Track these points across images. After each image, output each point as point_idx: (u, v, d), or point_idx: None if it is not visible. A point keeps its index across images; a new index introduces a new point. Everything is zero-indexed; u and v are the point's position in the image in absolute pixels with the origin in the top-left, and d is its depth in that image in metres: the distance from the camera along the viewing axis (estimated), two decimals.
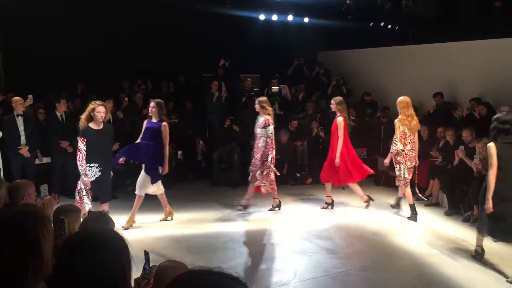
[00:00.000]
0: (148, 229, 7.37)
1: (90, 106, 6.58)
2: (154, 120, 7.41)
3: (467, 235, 7.20)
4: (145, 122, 7.57)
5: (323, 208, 8.60)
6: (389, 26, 13.13)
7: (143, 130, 7.49)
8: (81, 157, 6.50)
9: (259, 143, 8.07)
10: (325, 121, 11.51)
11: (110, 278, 1.60)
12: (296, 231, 7.41)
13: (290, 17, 14.04)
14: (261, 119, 8.09)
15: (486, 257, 6.15)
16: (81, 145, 6.49)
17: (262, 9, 13.82)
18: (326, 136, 11.19)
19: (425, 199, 8.82)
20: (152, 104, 7.49)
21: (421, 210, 8.40)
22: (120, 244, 1.70)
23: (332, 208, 8.60)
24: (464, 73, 10.39)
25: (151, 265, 2.73)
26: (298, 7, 13.73)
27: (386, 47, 12.74)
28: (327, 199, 8.66)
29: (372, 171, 8.63)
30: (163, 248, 6.46)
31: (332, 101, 8.64)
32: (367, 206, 8.52)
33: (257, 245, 6.78)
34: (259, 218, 8.08)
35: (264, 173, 8.05)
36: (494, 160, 5.67)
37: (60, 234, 3.14)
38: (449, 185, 8.42)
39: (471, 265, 6.09)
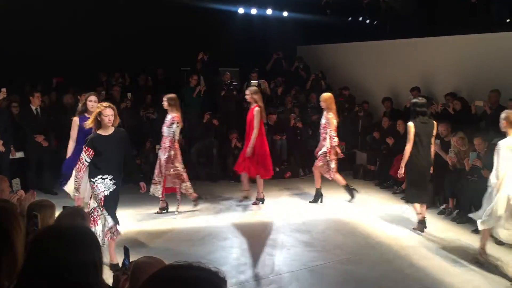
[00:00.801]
0: (128, 223, 7.31)
1: (96, 110, 5.59)
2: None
3: (442, 227, 7.33)
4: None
5: (254, 204, 8.42)
6: (368, 21, 13.22)
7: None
8: (80, 168, 5.57)
9: (166, 143, 7.55)
10: (304, 115, 11.58)
11: (81, 275, 1.57)
12: (275, 225, 7.44)
13: (269, 11, 14.03)
14: (168, 117, 7.60)
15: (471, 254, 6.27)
16: (84, 156, 5.53)
17: (241, 2, 13.78)
18: (304, 127, 11.27)
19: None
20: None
21: (397, 203, 8.52)
22: (91, 241, 1.67)
23: (262, 203, 8.39)
24: (440, 68, 10.53)
25: (131, 261, 2.74)
26: (277, 1, 13.73)
27: (364, 42, 12.83)
28: (258, 195, 8.49)
29: (269, 176, 8.50)
30: (141, 243, 6.43)
31: (247, 91, 8.25)
32: (241, 200, 8.51)
33: (235, 239, 6.79)
34: (237, 212, 8.09)
35: (172, 173, 7.60)
36: (411, 136, 6.86)
37: (34, 230, 3.09)
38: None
39: (447, 257, 6.20)
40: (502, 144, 5.69)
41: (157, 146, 10.31)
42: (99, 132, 5.55)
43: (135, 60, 12.30)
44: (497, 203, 5.56)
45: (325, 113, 8.33)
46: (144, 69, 12.39)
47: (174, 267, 1.40)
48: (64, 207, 3.71)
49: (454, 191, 7.84)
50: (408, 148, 6.88)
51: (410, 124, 6.90)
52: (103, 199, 5.52)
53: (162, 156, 7.57)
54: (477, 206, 7.15)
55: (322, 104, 8.38)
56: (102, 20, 11.75)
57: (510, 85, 8.51)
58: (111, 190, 5.56)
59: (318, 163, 8.43)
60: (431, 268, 5.85)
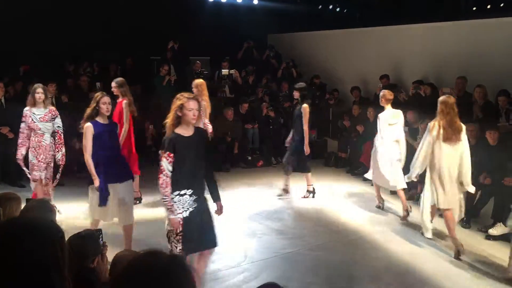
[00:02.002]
0: None
1: (177, 102, 4.30)
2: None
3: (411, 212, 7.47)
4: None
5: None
6: (338, 9, 13.29)
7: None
8: (165, 182, 4.27)
9: (46, 141, 6.67)
10: (274, 104, 11.60)
11: (40, 269, 1.53)
12: (246, 213, 7.45)
13: None
14: (43, 110, 6.67)
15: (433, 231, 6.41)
16: (165, 164, 4.27)
17: None
18: (276, 116, 11.29)
19: None
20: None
21: (367, 189, 8.64)
22: (53, 235, 1.61)
23: (139, 203, 7.72)
24: (408, 56, 10.67)
25: (104, 241, 3.01)
26: None
27: (334, 30, 12.90)
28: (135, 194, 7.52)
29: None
30: (117, 234, 6.35)
31: (113, 83, 7.44)
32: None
33: None
34: (208, 202, 8.06)
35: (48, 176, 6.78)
36: (307, 117, 7.83)
37: None
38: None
39: (414, 240, 6.33)
40: (382, 116, 7.22)
41: None
42: (178, 131, 4.31)
43: (104, 49, 12.08)
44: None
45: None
46: (113, 58, 12.18)
47: (142, 256, 1.48)
48: (27, 200, 3.64)
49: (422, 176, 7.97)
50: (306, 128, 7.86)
51: (306, 106, 7.88)
52: (181, 223, 4.31)
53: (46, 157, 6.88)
54: None
55: (194, 90, 7.52)
56: (70, 8, 11.48)
57: (476, 71, 8.69)
58: (191, 210, 4.36)
59: None
60: (399, 251, 5.97)
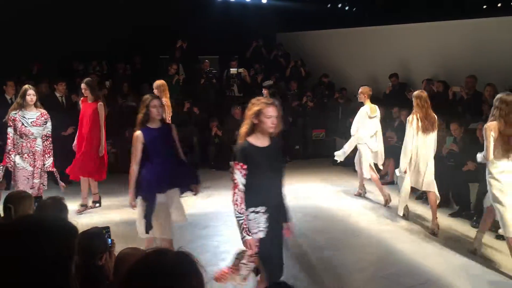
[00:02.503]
0: (110, 213, 7.28)
1: (253, 108, 3.83)
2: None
3: (420, 211, 7.43)
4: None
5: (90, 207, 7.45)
6: (346, 8, 13.25)
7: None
8: (240, 198, 3.79)
9: (39, 146, 6.44)
10: (283, 103, 11.58)
11: (46, 267, 1.54)
12: None
13: None
14: (34, 114, 6.41)
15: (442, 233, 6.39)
16: (239, 176, 3.77)
17: None
18: (285, 115, 11.26)
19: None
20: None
21: (374, 188, 8.60)
22: (63, 234, 1.62)
23: (99, 206, 7.50)
24: (418, 54, 10.62)
25: (112, 239, 3.05)
26: None
27: (343, 29, 12.86)
28: (94, 197, 7.49)
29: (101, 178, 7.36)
30: (125, 234, 6.38)
31: (83, 85, 7.16)
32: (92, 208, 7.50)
33: (216, 228, 6.79)
34: (218, 201, 8.08)
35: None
36: None
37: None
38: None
39: (425, 240, 6.30)
40: (362, 110, 7.79)
41: None
42: (251, 140, 3.82)
43: (113, 48, 12.14)
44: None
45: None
46: (122, 57, 12.23)
47: (151, 254, 1.50)
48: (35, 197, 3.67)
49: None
50: None
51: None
52: (257, 244, 3.84)
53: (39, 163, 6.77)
54: (455, 190, 7.31)
55: (155, 91, 7.56)
56: (80, 7, 11.55)
57: (486, 70, 8.64)
58: (265, 230, 3.86)
59: None
60: (409, 251, 5.94)
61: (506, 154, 5.14)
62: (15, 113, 6.33)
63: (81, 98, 7.34)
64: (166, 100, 7.61)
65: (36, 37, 10.80)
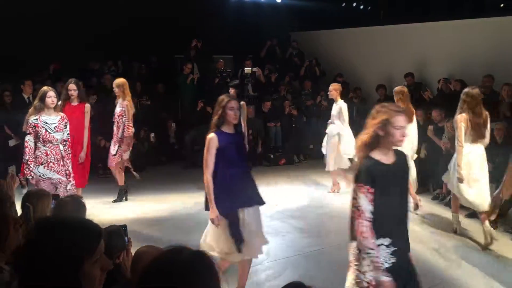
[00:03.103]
0: (125, 212, 7.34)
1: (381, 116, 3.19)
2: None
3: (436, 212, 7.37)
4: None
5: None
6: (361, 7, 13.17)
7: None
8: (368, 229, 3.13)
9: (62, 152, 5.98)
10: (297, 102, 11.59)
11: (73, 264, 1.59)
12: (269, 212, 7.45)
13: None
14: (55, 118, 5.98)
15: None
16: (365, 203, 3.12)
17: None
18: (299, 114, 11.27)
19: None
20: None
21: None
22: (95, 233, 1.69)
23: None
24: (434, 53, 10.52)
25: (129, 237, 3.09)
26: None
27: (358, 28, 12.79)
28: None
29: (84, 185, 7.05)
30: (137, 230, 6.42)
31: (72, 85, 6.82)
32: None
33: None
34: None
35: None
36: (245, 114, 7.99)
37: (26, 222, 3.07)
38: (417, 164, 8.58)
39: (440, 241, 6.24)
40: (344, 105, 8.24)
41: (152, 134, 10.34)
42: (375, 156, 3.17)
43: (128, 47, 12.21)
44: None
45: (120, 100, 7.41)
46: (138, 57, 12.31)
47: (168, 252, 1.49)
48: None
49: None
50: None
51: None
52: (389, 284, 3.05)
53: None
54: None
55: (116, 90, 7.44)
56: (95, 6, 11.62)
57: (503, 70, 8.53)
58: (388, 266, 3.14)
59: (117, 159, 7.47)
60: (425, 252, 5.89)
61: (475, 140, 5.87)
62: (36, 119, 5.72)
63: (66, 101, 6.74)
64: (128, 100, 7.36)
65: (52, 37, 10.89)
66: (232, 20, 13.32)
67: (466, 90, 6.01)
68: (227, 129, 4.40)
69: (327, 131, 8.48)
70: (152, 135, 10.30)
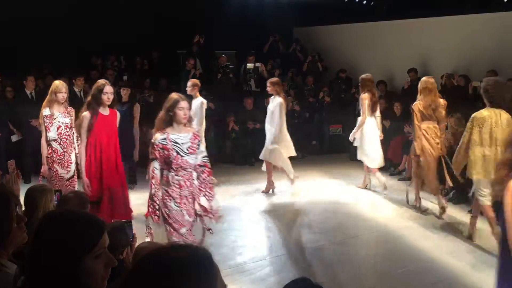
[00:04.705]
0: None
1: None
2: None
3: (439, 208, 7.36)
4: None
5: None
6: (365, 2, 13.12)
7: None
8: None
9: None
10: (300, 98, 11.57)
11: (73, 256, 1.60)
12: (272, 207, 7.46)
13: None
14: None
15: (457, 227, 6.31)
16: None
17: None
18: (302, 110, 11.24)
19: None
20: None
21: (395, 184, 8.54)
22: (101, 227, 1.70)
23: None
24: (437, 49, 10.48)
25: (134, 233, 3.12)
26: None
27: (361, 23, 12.74)
28: None
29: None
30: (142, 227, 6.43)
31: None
32: None
33: (233, 222, 6.80)
34: (234, 196, 8.10)
35: None
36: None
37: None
38: None
39: (444, 237, 6.23)
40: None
41: (154, 130, 10.31)
42: None
43: (131, 43, 12.20)
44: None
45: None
46: (140, 52, 12.30)
47: (163, 248, 1.45)
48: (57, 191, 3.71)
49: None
50: None
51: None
52: None
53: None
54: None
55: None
56: (97, 2, 11.61)
57: (507, 65, 8.49)
58: None
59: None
60: (428, 248, 5.88)
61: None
62: (164, 138, 4.39)
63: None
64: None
65: (54, 32, 10.89)
66: (234, 15, 13.26)
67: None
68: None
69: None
70: (153, 130, 10.27)
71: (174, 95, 4.62)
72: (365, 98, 7.82)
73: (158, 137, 4.33)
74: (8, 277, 1.93)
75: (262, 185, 8.50)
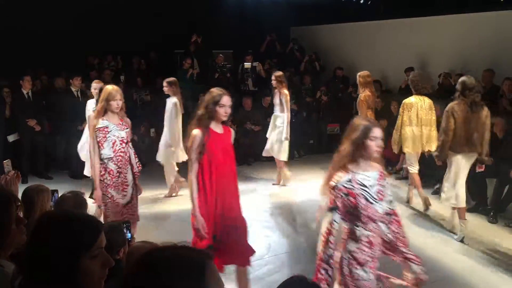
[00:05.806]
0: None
1: None
2: None
3: (435, 206, 7.36)
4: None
5: None
6: (362, 1, 13.13)
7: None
8: None
9: None
10: (298, 98, 11.56)
11: (71, 257, 1.59)
12: (270, 206, 7.46)
13: None
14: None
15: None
16: None
17: None
18: (299, 109, 11.24)
19: None
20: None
21: (392, 183, 8.55)
22: (99, 227, 1.70)
23: None
24: (434, 48, 10.49)
25: (132, 233, 2.94)
26: None
27: (358, 22, 12.75)
28: None
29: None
30: (145, 227, 6.41)
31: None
32: None
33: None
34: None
35: None
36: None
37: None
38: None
39: (442, 236, 6.25)
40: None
41: (152, 130, 10.30)
42: None
43: (128, 43, 12.18)
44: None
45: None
46: (137, 52, 12.28)
47: (160, 248, 1.45)
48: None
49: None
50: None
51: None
52: None
53: None
54: (471, 185, 7.22)
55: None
56: (94, 2, 11.58)
57: (505, 64, 8.51)
58: None
59: None
60: (426, 247, 5.89)
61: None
62: (349, 180, 3.34)
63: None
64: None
65: (52, 32, 10.87)
66: (231, 15, 13.27)
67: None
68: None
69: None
70: (152, 130, 10.27)
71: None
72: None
73: (341, 177, 3.29)
74: (6, 277, 1.93)
75: (261, 184, 8.52)
